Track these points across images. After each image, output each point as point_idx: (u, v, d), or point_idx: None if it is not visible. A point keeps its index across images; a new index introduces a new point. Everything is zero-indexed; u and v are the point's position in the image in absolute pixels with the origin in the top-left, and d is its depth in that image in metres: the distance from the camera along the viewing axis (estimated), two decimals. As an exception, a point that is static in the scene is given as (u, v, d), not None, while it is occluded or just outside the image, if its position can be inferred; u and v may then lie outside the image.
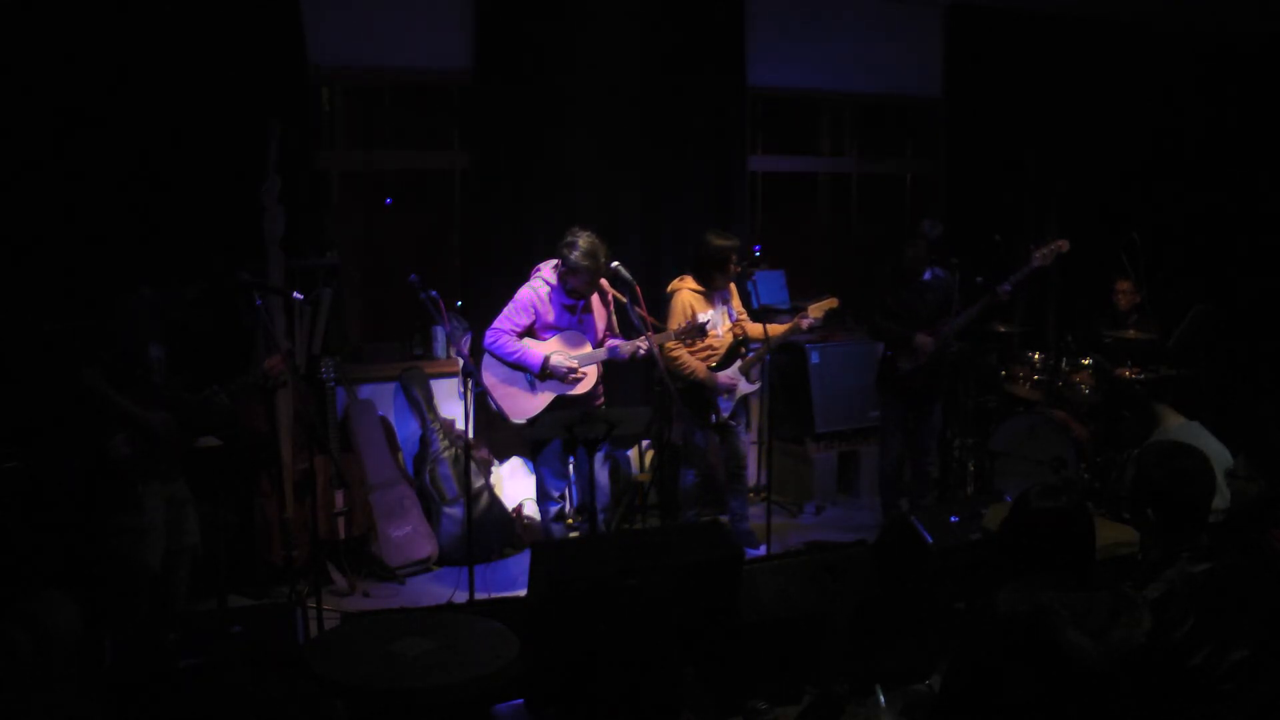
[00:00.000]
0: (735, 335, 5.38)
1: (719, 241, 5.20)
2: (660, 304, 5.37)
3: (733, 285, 5.40)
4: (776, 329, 5.40)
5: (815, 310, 5.24)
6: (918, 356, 5.45)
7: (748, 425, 5.67)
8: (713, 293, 5.29)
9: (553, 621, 3.54)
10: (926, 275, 5.50)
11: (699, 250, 5.27)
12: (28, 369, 4.42)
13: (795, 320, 5.29)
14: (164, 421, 4.04)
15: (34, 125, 4.59)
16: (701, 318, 5.20)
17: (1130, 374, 5.76)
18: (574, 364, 4.89)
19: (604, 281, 4.99)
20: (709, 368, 5.27)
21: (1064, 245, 5.34)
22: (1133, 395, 5.72)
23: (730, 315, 5.38)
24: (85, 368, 3.95)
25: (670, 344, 5.17)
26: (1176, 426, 4.92)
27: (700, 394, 5.28)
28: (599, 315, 5.05)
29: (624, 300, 4.87)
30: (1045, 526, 2.53)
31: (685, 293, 5.24)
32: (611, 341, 5.04)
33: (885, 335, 5.62)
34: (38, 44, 4.55)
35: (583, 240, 4.77)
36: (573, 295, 4.90)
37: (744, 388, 5.33)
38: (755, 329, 5.40)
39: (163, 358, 4.10)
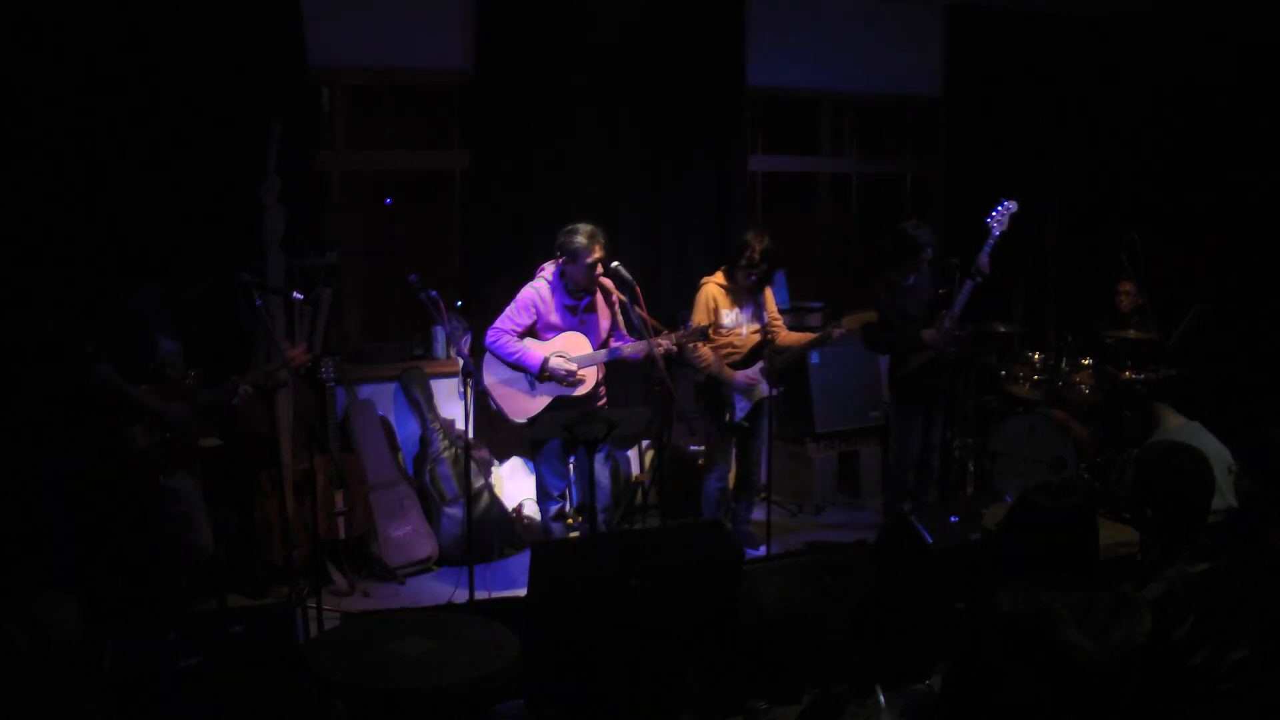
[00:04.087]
0: (765, 337, 5.33)
1: (744, 237, 5.19)
2: (660, 303, 5.37)
3: (769, 291, 5.37)
4: (803, 337, 5.39)
5: (850, 323, 5.20)
6: (925, 351, 5.44)
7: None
8: (741, 291, 5.26)
9: (553, 621, 3.54)
10: (911, 280, 5.49)
11: (730, 245, 5.27)
12: (31, 369, 4.43)
13: (827, 329, 5.25)
14: (180, 412, 4.08)
15: (35, 125, 4.59)
16: (725, 315, 5.19)
17: (1129, 375, 5.76)
18: (573, 366, 4.88)
19: (607, 282, 4.98)
20: (728, 365, 5.25)
21: (1013, 206, 5.33)
22: (1133, 395, 5.72)
23: (761, 318, 5.32)
24: (96, 363, 3.98)
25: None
26: (1177, 427, 4.91)
27: (717, 391, 5.26)
28: (603, 316, 5.04)
29: (626, 300, 4.87)
30: (1052, 526, 2.52)
31: (710, 287, 5.23)
32: (615, 343, 5.03)
33: (886, 347, 5.60)
34: (39, 44, 4.56)
35: (582, 226, 4.80)
36: (575, 294, 4.90)
37: (764, 390, 5.30)
38: (789, 337, 5.37)
39: (176, 350, 4.14)
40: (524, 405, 4.93)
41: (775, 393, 5.32)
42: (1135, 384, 5.69)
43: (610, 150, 5.96)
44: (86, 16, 4.62)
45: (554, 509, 5.17)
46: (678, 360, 5.25)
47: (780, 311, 6.25)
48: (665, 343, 4.88)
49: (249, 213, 4.91)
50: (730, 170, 6.35)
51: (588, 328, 4.98)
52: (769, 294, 5.39)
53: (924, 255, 5.39)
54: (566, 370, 4.86)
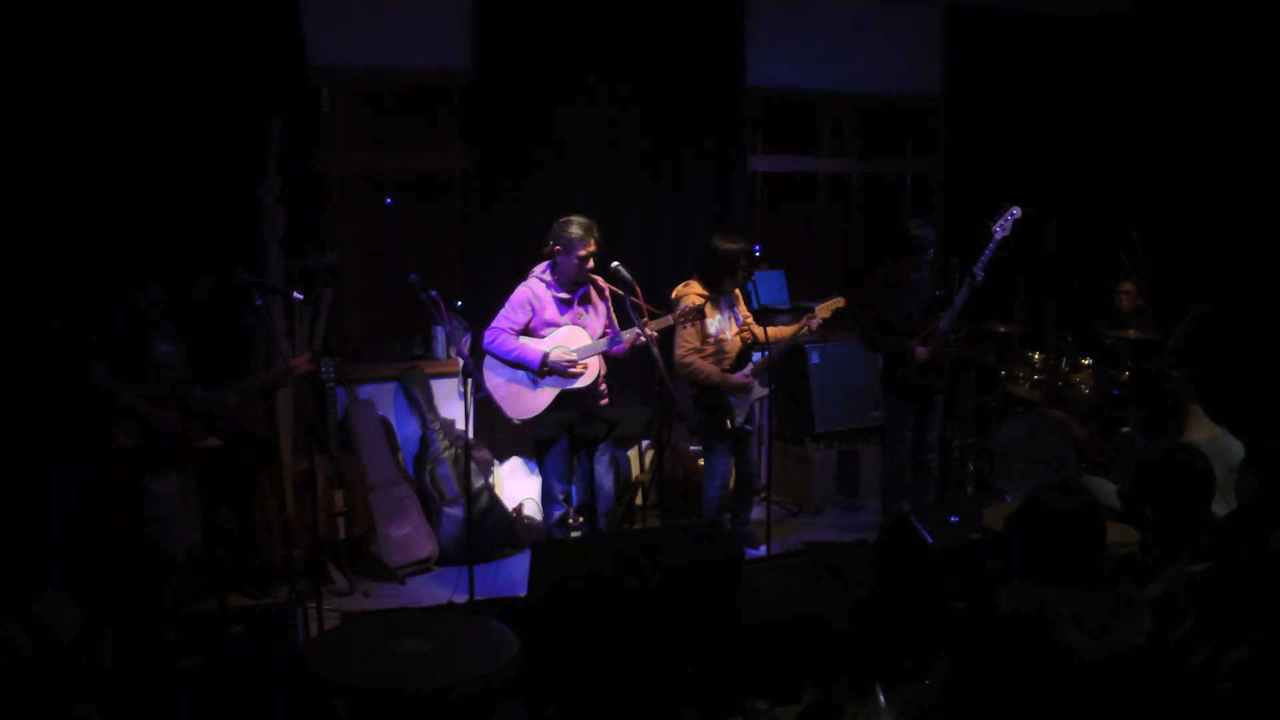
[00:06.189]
0: (744, 339, 5.36)
1: (727, 245, 5.16)
2: (661, 304, 5.35)
3: (737, 290, 5.37)
4: (785, 331, 5.40)
5: (823, 310, 5.22)
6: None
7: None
8: (719, 297, 5.26)
9: (553, 621, 3.54)
10: (914, 277, 5.50)
11: (706, 254, 5.23)
12: (29, 368, 4.43)
13: (804, 321, 5.25)
14: (169, 418, 4.08)
15: (35, 125, 4.59)
16: (709, 323, 5.19)
17: (1124, 377, 5.75)
18: (574, 357, 4.89)
19: (599, 278, 4.99)
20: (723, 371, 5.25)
21: (1018, 213, 5.33)
22: (1167, 386, 5.52)
23: (737, 319, 5.36)
24: (89, 361, 3.98)
25: (684, 352, 5.15)
26: (1204, 440, 4.58)
27: (718, 399, 5.25)
28: (598, 311, 5.05)
29: (620, 294, 4.85)
30: (1063, 527, 2.52)
31: (692, 298, 5.19)
32: (611, 332, 5.04)
33: (882, 349, 5.61)
34: (40, 44, 4.55)
35: (578, 219, 4.84)
36: (566, 286, 4.90)
37: (758, 391, 5.29)
38: (768, 333, 5.38)
39: (176, 353, 4.14)
40: (528, 403, 4.92)
41: (772, 388, 5.32)
42: (1173, 373, 5.55)
43: (610, 150, 5.96)
44: (86, 16, 4.62)
45: (558, 514, 5.15)
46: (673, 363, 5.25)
47: (781, 311, 6.28)
48: (665, 319, 4.90)
49: (249, 213, 4.91)
50: (730, 170, 6.35)
51: (583, 323, 4.99)
52: (739, 293, 5.39)
53: (926, 255, 5.40)
54: (567, 361, 4.86)
